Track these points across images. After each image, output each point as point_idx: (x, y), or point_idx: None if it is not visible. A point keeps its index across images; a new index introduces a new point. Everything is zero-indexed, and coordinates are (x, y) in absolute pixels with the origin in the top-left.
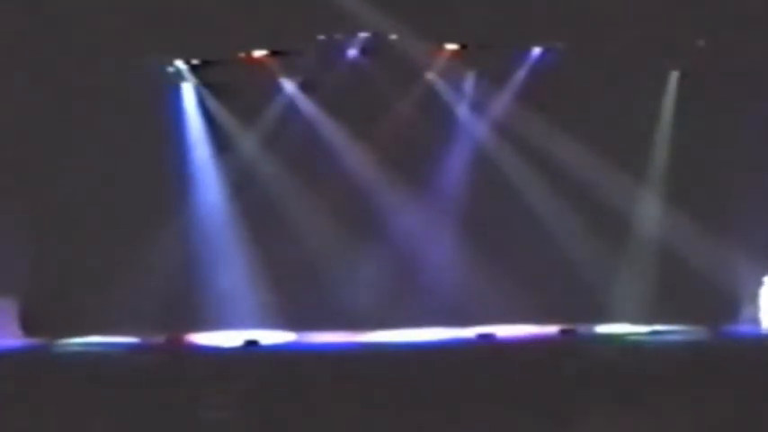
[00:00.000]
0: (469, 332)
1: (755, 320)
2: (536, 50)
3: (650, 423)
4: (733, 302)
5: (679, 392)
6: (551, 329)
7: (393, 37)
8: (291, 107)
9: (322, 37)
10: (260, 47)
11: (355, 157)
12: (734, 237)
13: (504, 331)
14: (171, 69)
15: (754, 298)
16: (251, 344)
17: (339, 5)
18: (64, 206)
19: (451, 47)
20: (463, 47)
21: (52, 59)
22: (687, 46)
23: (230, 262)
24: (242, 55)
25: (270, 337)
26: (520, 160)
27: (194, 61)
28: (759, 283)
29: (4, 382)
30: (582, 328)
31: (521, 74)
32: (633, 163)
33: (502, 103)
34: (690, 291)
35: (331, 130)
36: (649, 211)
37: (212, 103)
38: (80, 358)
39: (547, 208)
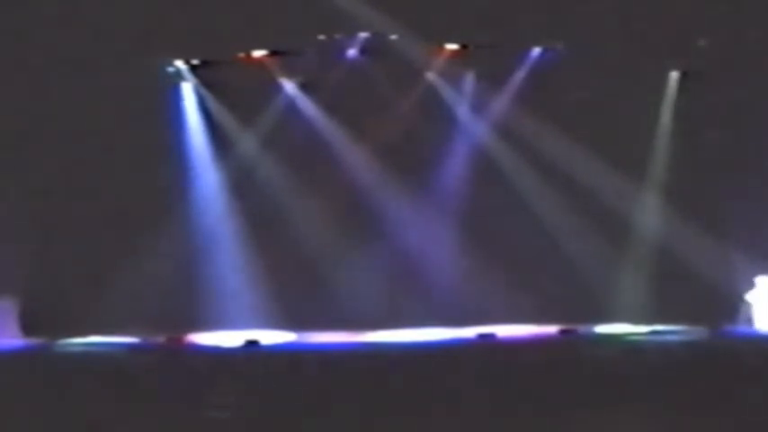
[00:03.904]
0: (469, 332)
1: (751, 320)
2: (536, 51)
3: (650, 423)
4: (732, 302)
5: (679, 392)
6: (551, 329)
7: (393, 37)
8: (291, 107)
9: (322, 37)
10: (260, 47)
11: (355, 157)
12: (733, 236)
13: (504, 331)
14: (171, 69)
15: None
16: (251, 344)
17: (339, 5)
18: (63, 206)
19: (451, 47)
20: (463, 47)
21: (52, 60)
22: (687, 46)
23: (230, 262)
24: (242, 55)
25: (270, 337)
26: (520, 160)
27: (194, 61)
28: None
29: (4, 382)
30: (582, 328)
31: (520, 74)
32: (633, 163)
33: (502, 103)
34: (690, 291)
35: (331, 130)
36: (649, 211)
37: (212, 103)
38: (80, 358)
39: (546, 208)
